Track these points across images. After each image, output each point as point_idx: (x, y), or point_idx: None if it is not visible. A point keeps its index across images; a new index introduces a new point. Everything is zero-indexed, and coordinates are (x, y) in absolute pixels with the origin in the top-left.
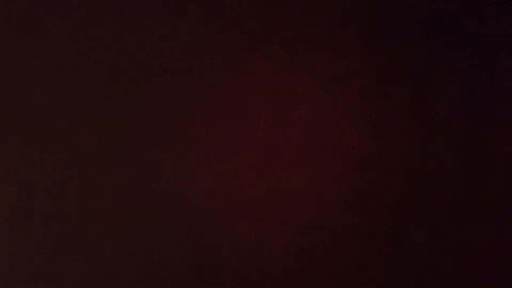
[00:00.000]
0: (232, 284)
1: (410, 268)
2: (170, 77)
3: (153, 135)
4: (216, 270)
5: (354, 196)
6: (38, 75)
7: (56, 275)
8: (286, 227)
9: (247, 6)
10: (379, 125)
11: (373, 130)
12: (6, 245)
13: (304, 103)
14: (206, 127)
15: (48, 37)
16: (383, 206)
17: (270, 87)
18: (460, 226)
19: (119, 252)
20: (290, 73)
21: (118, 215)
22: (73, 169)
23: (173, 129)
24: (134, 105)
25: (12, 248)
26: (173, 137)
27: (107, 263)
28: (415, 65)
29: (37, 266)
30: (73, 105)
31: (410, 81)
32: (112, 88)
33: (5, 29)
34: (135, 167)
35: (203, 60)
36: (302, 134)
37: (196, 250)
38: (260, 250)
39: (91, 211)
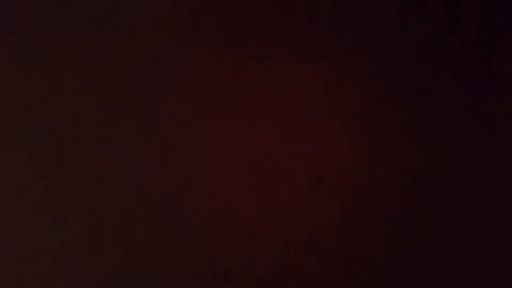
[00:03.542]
0: None
1: (409, 285)
2: (168, 84)
3: (151, 146)
4: (216, 280)
5: (352, 208)
6: (39, 84)
7: (57, 276)
8: (284, 240)
9: (245, 9)
10: (377, 138)
11: (371, 143)
12: (9, 247)
13: (300, 121)
14: (203, 137)
15: (44, 46)
16: (382, 219)
17: (267, 105)
18: (460, 235)
19: (119, 255)
20: (286, 85)
21: (118, 219)
22: (73, 173)
23: (171, 137)
24: (133, 112)
25: (16, 250)
26: (171, 149)
27: (108, 265)
28: (413, 75)
29: (39, 268)
30: (70, 109)
31: (408, 93)
32: (112, 91)
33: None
34: (135, 177)
35: (199, 69)
36: (299, 146)
37: (196, 259)
38: (260, 261)
39: (91, 218)
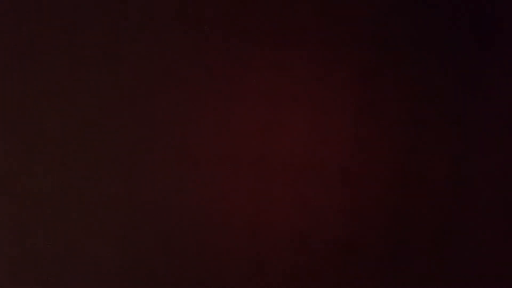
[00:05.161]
0: None
1: (404, 279)
2: (165, 85)
3: (148, 145)
4: (212, 280)
5: (347, 208)
6: (45, 84)
7: (54, 278)
8: (280, 239)
9: (240, 12)
10: (372, 138)
11: (366, 142)
12: (6, 248)
13: (297, 117)
14: (200, 139)
15: (44, 44)
16: (376, 218)
17: (264, 100)
18: (456, 235)
19: (118, 255)
20: (283, 86)
21: (117, 219)
22: (72, 175)
23: (167, 141)
24: (130, 115)
25: (13, 251)
26: (168, 148)
27: (105, 268)
28: (408, 78)
29: (37, 269)
30: (71, 111)
31: (402, 95)
32: (109, 95)
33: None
34: (132, 178)
35: (194, 73)
36: (295, 147)
37: (193, 261)
38: (256, 261)
39: (90, 217)
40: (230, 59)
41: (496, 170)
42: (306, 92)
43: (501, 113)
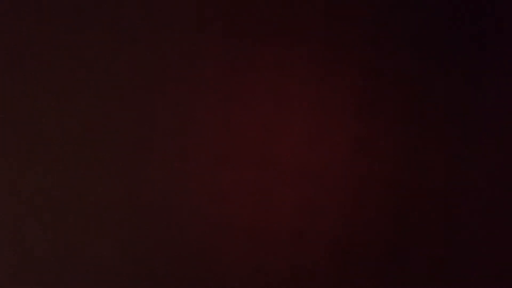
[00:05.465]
0: None
1: (404, 279)
2: (164, 85)
3: (147, 146)
4: (212, 280)
5: (347, 208)
6: (45, 84)
7: (54, 278)
8: (280, 239)
9: (239, 13)
10: (372, 138)
11: (366, 142)
12: (6, 248)
13: (297, 117)
14: (200, 139)
15: (42, 44)
16: (376, 218)
17: (264, 100)
18: (456, 235)
19: (118, 256)
20: (283, 85)
21: (116, 219)
22: (72, 175)
23: (167, 141)
24: (130, 114)
25: (13, 251)
26: (167, 148)
27: (105, 268)
28: (408, 78)
29: (37, 269)
30: (71, 111)
31: (402, 95)
32: (109, 94)
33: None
34: (132, 178)
35: (193, 72)
36: (295, 147)
37: (193, 261)
38: (256, 261)
39: (90, 217)
40: (230, 59)
41: (496, 170)
42: (306, 92)
43: (501, 113)
